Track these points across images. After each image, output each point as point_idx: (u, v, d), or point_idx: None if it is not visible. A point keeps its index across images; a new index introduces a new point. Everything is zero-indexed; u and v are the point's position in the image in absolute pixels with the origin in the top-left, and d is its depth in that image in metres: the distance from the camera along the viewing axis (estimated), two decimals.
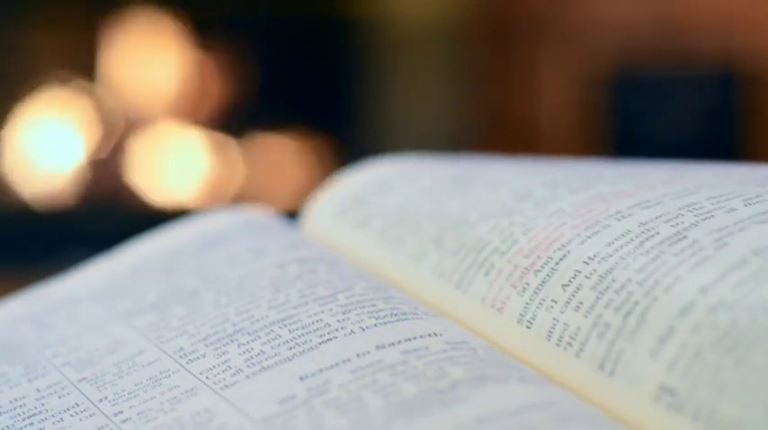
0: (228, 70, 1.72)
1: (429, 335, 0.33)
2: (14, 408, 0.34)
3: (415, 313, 0.34)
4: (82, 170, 1.67)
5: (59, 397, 0.34)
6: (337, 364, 0.31)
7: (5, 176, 1.66)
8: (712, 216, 0.33)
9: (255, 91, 1.72)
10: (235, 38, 1.73)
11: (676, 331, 0.29)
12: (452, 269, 0.37)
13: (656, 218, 0.34)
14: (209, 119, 1.72)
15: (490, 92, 1.77)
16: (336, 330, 0.33)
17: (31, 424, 0.33)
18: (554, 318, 0.32)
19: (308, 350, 0.33)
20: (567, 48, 1.71)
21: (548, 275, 0.34)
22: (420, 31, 1.72)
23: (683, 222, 0.33)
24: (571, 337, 0.32)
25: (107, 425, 0.32)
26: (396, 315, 0.34)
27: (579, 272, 0.33)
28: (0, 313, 0.41)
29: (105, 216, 1.63)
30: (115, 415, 0.33)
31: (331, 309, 0.34)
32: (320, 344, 0.33)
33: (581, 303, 0.32)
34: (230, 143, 1.71)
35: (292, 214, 0.47)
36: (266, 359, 0.33)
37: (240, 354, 0.33)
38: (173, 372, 0.34)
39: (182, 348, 0.35)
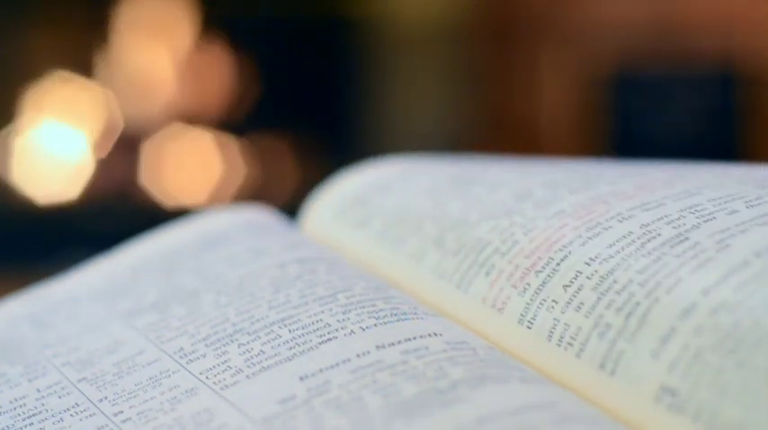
0: (229, 70, 1.72)
1: (429, 335, 0.33)
2: (14, 408, 0.34)
3: (416, 313, 0.34)
4: (82, 170, 1.67)
5: (59, 397, 0.34)
6: (337, 364, 0.31)
7: (6, 176, 1.66)
8: (714, 218, 0.33)
9: (255, 91, 1.72)
10: (235, 38, 1.73)
11: (678, 332, 0.29)
12: (453, 269, 0.37)
13: (658, 219, 0.34)
14: (209, 119, 1.72)
15: (490, 92, 1.77)
16: (336, 330, 0.33)
17: (31, 424, 0.33)
18: (555, 319, 0.32)
19: (308, 350, 0.33)
20: (567, 48, 1.71)
21: (549, 276, 0.34)
22: (420, 31, 1.72)
23: (684, 224, 0.33)
24: (572, 338, 0.32)
25: (107, 425, 0.32)
26: (396, 315, 0.34)
27: (580, 272, 0.33)
28: (0, 313, 0.41)
29: (105, 216, 1.63)
30: (115, 415, 0.33)
31: (331, 309, 0.34)
32: (320, 344, 0.33)
33: (582, 304, 0.32)
34: (230, 143, 1.71)
35: (292, 214, 0.47)
36: (266, 359, 0.33)
37: (240, 354, 0.33)
38: (173, 372, 0.34)
39: (182, 348, 0.35)
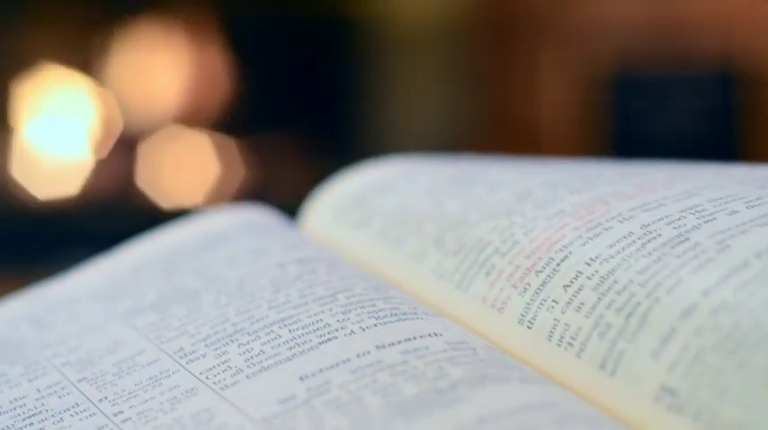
0: (229, 70, 1.72)
1: (429, 335, 0.33)
2: (14, 408, 0.34)
3: (416, 313, 0.34)
4: (82, 170, 1.67)
5: (59, 397, 0.34)
6: (337, 364, 0.31)
7: (6, 176, 1.66)
8: (714, 218, 0.33)
9: (255, 91, 1.72)
10: (234, 38, 1.73)
11: (678, 332, 0.29)
12: (453, 269, 0.37)
13: (659, 220, 0.34)
14: (209, 119, 1.72)
15: (490, 92, 1.77)
16: (336, 330, 0.33)
17: (31, 424, 0.33)
18: (555, 319, 0.32)
19: (308, 350, 0.33)
20: (567, 48, 1.71)
21: (549, 276, 0.34)
22: (420, 31, 1.72)
23: (685, 224, 0.33)
24: (572, 338, 0.32)
25: (107, 425, 0.32)
26: (396, 315, 0.34)
27: (581, 273, 0.33)
28: (0, 313, 0.41)
29: (105, 216, 1.63)
30: (115, 415, 0.33)
31: (331, 309, 0.34)
32: (320, 344, 0.33)
33: (582, 304, 0.32)
34: (230, 143, 1.71)
35: (292, 214, 0.47)
36: (266, 359, 0.33)
37: (240, 354, 0.33)
38: (173, 372, 0.34)
39: (182, 348, 0.35)
